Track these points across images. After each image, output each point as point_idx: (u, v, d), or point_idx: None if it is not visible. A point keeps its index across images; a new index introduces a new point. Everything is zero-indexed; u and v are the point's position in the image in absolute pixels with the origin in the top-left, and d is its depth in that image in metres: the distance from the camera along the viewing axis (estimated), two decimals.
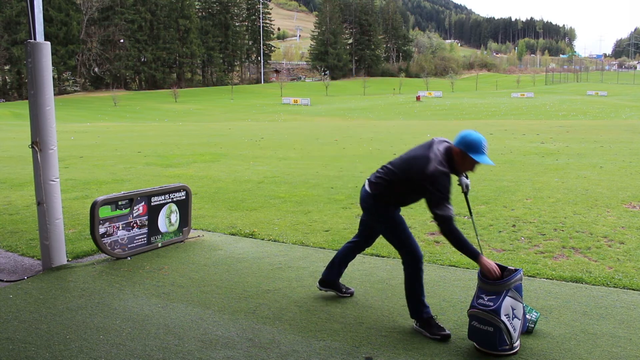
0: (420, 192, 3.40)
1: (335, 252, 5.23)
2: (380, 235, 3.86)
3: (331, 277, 4.05)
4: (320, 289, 4.09)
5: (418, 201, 3.57)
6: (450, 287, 4.25)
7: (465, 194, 3.71)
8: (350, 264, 4.80)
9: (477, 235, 3.90)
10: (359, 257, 5.01)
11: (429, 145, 3.41)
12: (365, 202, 3.62)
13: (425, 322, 3.44)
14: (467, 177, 3.67)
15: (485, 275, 3.24)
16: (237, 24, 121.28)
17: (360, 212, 7.06)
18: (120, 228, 5.13)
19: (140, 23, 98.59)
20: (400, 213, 3.65)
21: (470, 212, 3.81)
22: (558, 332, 3.43)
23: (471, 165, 3.32)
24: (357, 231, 4.08)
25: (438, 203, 3.22)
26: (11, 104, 71.03)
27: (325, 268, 4.11)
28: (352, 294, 4.11)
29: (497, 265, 3.32)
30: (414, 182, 3.34)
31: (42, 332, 3.55)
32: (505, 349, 3.12)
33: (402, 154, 3.56)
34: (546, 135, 20.36)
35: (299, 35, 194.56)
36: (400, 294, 4.11)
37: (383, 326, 3.56)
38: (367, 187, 3.59)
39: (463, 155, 3.28)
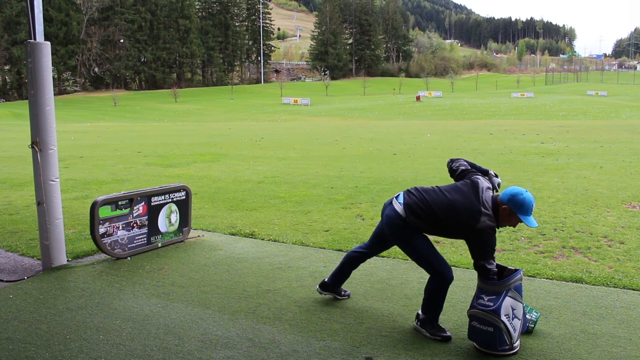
0: (459, 236, 3.37)
1: (335, 251, 5.28)
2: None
3: (335, 283, 4.03)
4: (321, 293, 4.05)
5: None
6: (451, 287, 4.23)
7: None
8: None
9: None
10: None
11: (475, 190, 3.29)
12: (392, 222, 3.40)
13: (428, 321, 3.43)
14: (497, 176, 3.56)
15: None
16: (237, 24, 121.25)
17: (360, 212, 7.10)
18: (120, 228, 5.13)
19: (140, 23, 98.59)
20: None
21: None
22: (558, 332, 3.43)
23: (515, 222, 3.29)
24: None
25: (486, 256, 3.20)
26: (11, 104, 71.04)
27: (331, 275, 4.04)
28: (349, 295, 4.11)
29: (497, 265, 3.32)
30: (459, 230, 3.29)
31: (42, 332, 3.55)
32: (505, 349, 3.12)
33: (445, 192, 3.37)
34: (546, 135, 20.36)
35: (299, 35, 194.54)
36: (400, 294, 4.12)
37: (383, 326, 3.56)
38: (398, 209, 3.38)
39: (510, 213, 3.24)
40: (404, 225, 3.36)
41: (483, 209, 3.21)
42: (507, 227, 3.53)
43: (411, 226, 3.35)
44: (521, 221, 3.26)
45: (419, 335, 3.42)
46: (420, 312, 3.50)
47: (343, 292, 4.09)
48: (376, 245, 3.83)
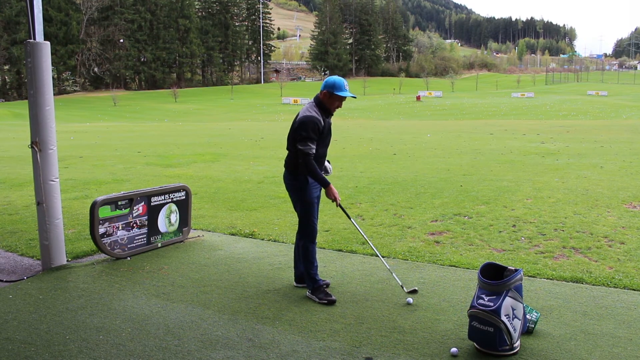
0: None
1: (335, 251, 5.28)
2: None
3: (301, 271, 4.23)
4: (297, 286, 4.30)
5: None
6: (450, 287, 4.25)
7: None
8: (350, 264, 4.84)
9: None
10: (359, 257, 5.02)
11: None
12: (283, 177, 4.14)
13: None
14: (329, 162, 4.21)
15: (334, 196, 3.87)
16: (237, 24, 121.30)
17: (360, 212, 7.10)
18: (120, 228, 5.13)
19: (140, 23, 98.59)
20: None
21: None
22: (558, 332, 3.43)
23: (337, 100, 3.92)
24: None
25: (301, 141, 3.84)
26: (11, 104, 71.03)
27: (294, 268, 4.38)
28: (327, 284, 4.20)
29: (497, 265, 3.32)
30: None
31: (42, 332, 3.55)
32: (505, 349, 3.12)
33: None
34: (546, 135, 20.36)
35: (299, 35, 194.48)
36: (400, 294, 4.12)
37: (383, 326, 3.56)
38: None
39: (330, 95, 3.89)
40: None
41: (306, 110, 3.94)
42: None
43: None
44: (341, 98, 3.87)
45: (419, 335, 3.42)
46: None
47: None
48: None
